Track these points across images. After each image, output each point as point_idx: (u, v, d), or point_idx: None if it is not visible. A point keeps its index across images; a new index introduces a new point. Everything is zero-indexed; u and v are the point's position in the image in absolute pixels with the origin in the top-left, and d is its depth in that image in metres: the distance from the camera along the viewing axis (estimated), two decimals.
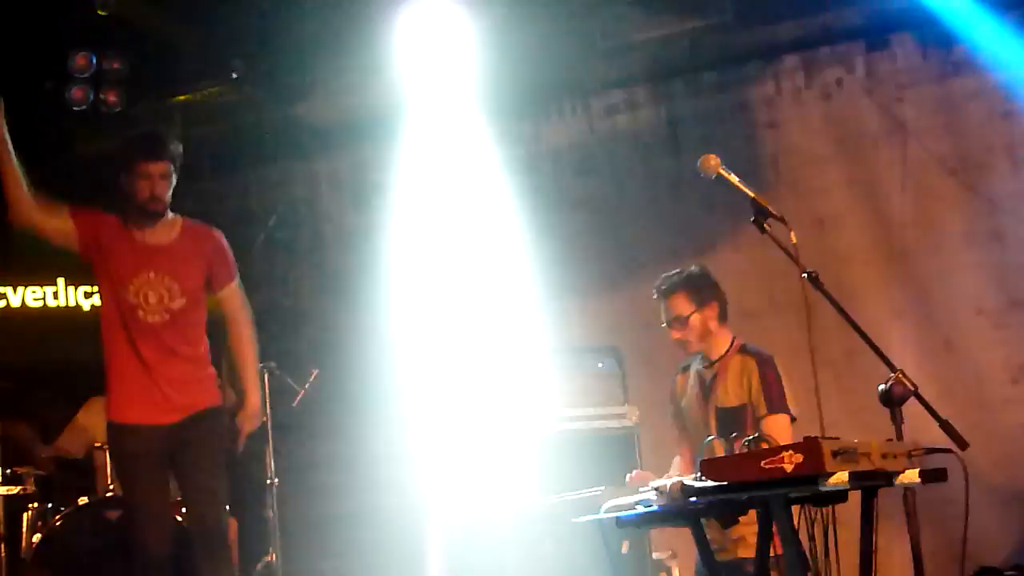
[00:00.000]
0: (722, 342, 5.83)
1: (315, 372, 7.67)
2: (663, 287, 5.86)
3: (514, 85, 8.49)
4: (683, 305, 5.75)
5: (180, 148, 5.91)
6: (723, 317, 5.84)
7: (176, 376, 5.80)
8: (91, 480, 7.33)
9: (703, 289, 5.81)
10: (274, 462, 7.21)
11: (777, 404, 5.63)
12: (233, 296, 6.06)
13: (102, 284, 5.90)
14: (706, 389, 5.83)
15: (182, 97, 8.51)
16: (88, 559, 6.48)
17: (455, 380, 7.45)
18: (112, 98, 8.06)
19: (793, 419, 5.65)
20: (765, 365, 5.73)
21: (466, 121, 8.67)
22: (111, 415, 5.82)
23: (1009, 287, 7.76)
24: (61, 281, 8.73)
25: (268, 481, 7.20)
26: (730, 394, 5.73)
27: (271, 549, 7.13)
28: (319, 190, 9.43)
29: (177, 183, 5.91)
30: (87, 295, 8.76)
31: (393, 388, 8.62)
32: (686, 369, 6.02)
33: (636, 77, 8.61)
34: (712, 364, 5.83)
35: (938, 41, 7.99)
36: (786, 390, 5.69)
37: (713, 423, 5.70)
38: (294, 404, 7.63)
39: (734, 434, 5.05)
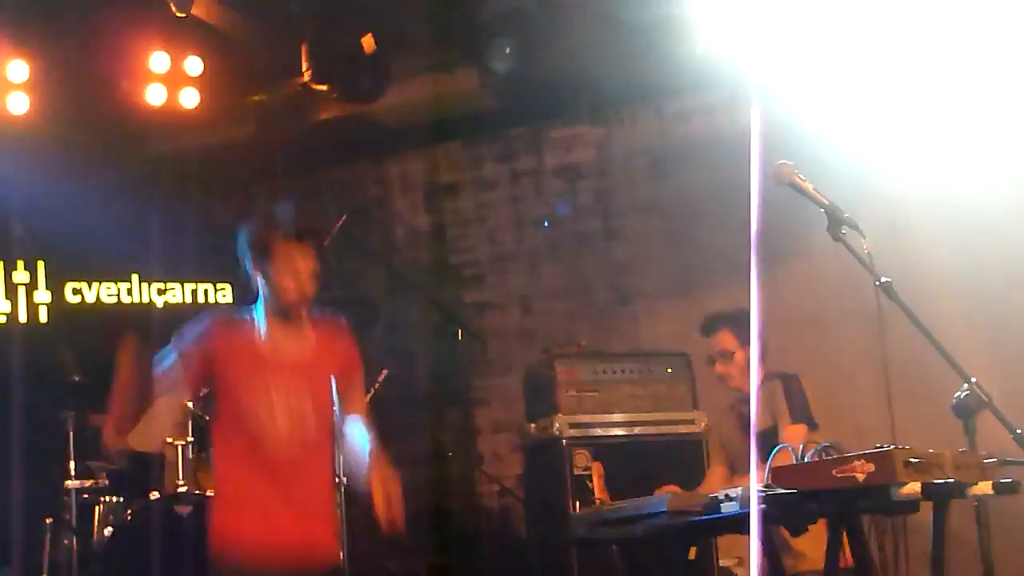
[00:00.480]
0: (759, 377, 5.97)
1: (385, 372, 7.69)
2: (710, 324, 6.07)
3: (587, 87, 8.51)
4: (729, 341, 6.11)
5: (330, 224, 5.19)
6: (763, 357, 6.00)
7: (298, 512, 4.68)
8: (162, 475, 7.41)
9: (747, 328, 5.94)
10: (342, 461, 7.24)
11: (798, 414, 5.79)
12: (365, 411, 4.98)
13: (217, 391, 4.76)
14: (745, 421, 5.97)
15: (256, 97, 8.58)
16: (158, 553, 6.55)
17: (525, 382, 7.48)
18: (188, 98, 8.15)
19: (815, 427, 5.77)
20: (788, 381, 5.94)
21: (536, 123, 8.72)
22: (214, 544, 4.64)
23: None
24: (135, 277, 8.84)
25: (336, 480, 7.24)
26: (761, 418, 5.86)
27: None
28: (392, 191, 9.50)
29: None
30: (160, 292, 8.87)
31: (463, 388, 8.68)
32: (730, 409, 6.20)
33: (710, 82, 8.59)
34: (748, 400, 5.98)
35: None
36: (811, 403, 5.84)
37: (754, 450, 5.80)
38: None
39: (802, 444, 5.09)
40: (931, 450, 3.73)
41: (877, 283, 4.27)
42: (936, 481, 3.64)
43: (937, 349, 4.16)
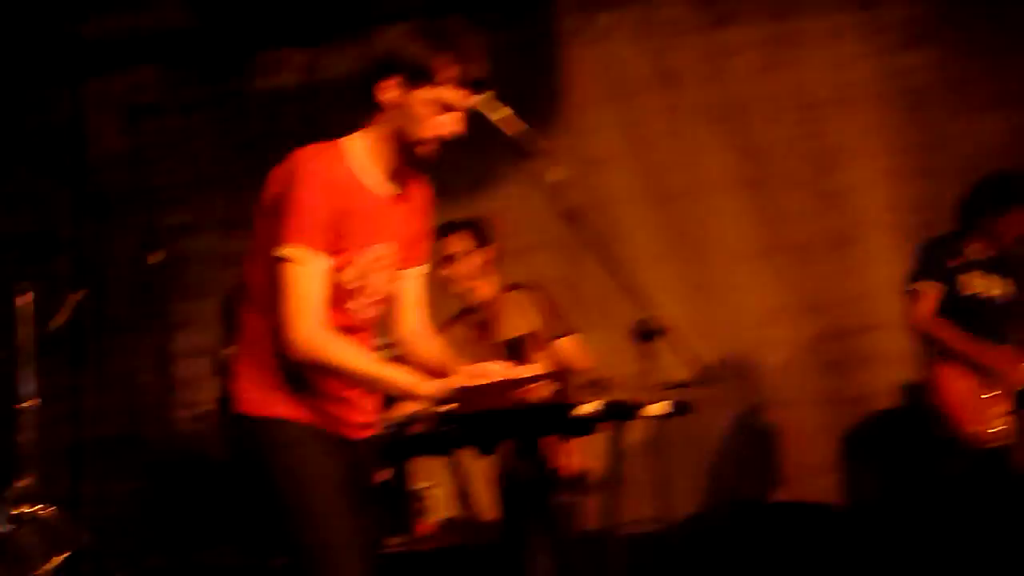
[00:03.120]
0: (494, 284, 5.98)
1: (78, 295, 7.46)
2: (448, 225, 6.02)
3: (294, 10, 8.39)
4: (466, 243, 5.90)
5: None
6: (498, 263, 6.04)
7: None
8: None
9: (486, 232, 5.99)
10: (34, 385, 7.01)
11: (561, 326, 5.85)
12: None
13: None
14: (486, 329, 5.95)
15: None
16: None
17: (223, 306, 7.36)
18: None
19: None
20: (538, 294, 5.95)
21: (242, 45, 8.55)
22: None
23: (763, 234, 8.04)
24: None
25: (27, 404, 7.01)
26: (511, 327, 5.87)
27: (28, 472, 6.94)
28: (90, 111, 9.16)
29: None
30: None
31: (161, 312, 8.50)
32: (453, 322, 6.08)
33: (418, 11, 8.55)
34: (483, 307, 5.95)
35: None
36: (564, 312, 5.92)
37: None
38: (54, 327, 7.41)
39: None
40: (610, 372, 3.83)
41: (566, 212, 4.31)
42: (613, 401, 3.75)
43: (619, 278, 4.24)
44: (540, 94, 8.31)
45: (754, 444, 7.94)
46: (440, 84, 3.64)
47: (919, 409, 7.13)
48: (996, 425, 5.77)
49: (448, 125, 3.69)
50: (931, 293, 6.06)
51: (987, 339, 6.03)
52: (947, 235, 6.35)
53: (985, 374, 5.92)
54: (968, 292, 6.06)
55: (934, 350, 6.00)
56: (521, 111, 4.18)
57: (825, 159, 8.04)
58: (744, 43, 8.15)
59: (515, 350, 5.74)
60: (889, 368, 7.78)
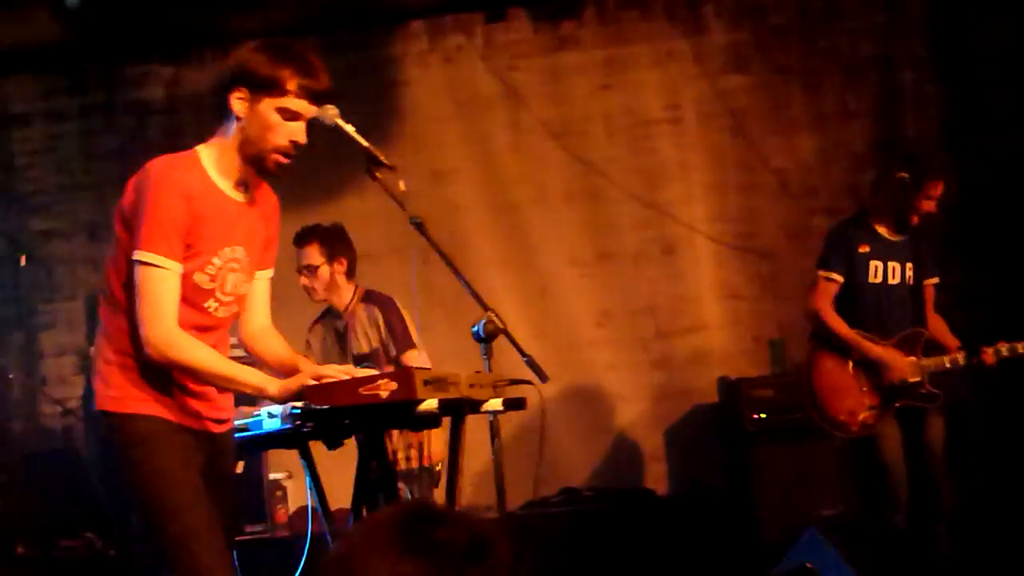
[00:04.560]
0: (347, 293, 5.90)
1: None
2: (300, 235, 5.89)
3: (159, 26, 8.24)
4: (315, 256, 5.81)
5: None
6: (351, 273, 5.92)
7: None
8: None
9: (336, 244, 5.86)
10: None
11: (403, 342, 5.78)
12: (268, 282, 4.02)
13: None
14: (341, 339, 5.90)
15: None
16: None
17: (88, 307, 7.23)
18: None
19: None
20: (386, 308, 5.86)
21: (108, 59, 8.38)
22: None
23: (598, 242, 8.15)
24: None
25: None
26: (362, 341, 5.82)
27: None
28: None
29: None
30: None
31: (27, 313, 8.32)
32: (318, 321, 6.04)
33: (275, 32, 8.47)
34: (341, 315, 5.90)
35: (549, 17, 8.26)
36: (409, 326, 5.85)
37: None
38: None
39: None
40: (449, 371, 3.82)
41: (411, 221, 4.29)
42: (452, 398, 3.75)
43: (461, 281, 4.22)
44: (389, 111, 8.29)
45: (587, 436, 8.02)
46: (284, 94, 3.60)
47: (735, 402, 7.29)
48: (862, 417, 5.67)
49: (292, 134, 3.64)
50: (831, 284, 5.79)
51: (890, 324, 5.88)
52: (859, 218, 5.93)
53: (865, 367, 5.74)
54: (875, 280, 5.76)
55: (818, 337, 5.82)
56: (371, 127, 4.16)
57: (654, 173, 8.17)
58: (582, 65, 8.23)
59: (365, 364, 5.71)
60: (709, 365, 7.94)
